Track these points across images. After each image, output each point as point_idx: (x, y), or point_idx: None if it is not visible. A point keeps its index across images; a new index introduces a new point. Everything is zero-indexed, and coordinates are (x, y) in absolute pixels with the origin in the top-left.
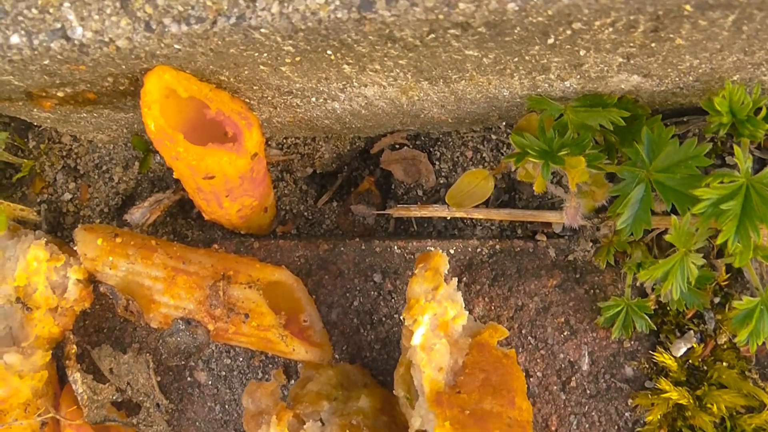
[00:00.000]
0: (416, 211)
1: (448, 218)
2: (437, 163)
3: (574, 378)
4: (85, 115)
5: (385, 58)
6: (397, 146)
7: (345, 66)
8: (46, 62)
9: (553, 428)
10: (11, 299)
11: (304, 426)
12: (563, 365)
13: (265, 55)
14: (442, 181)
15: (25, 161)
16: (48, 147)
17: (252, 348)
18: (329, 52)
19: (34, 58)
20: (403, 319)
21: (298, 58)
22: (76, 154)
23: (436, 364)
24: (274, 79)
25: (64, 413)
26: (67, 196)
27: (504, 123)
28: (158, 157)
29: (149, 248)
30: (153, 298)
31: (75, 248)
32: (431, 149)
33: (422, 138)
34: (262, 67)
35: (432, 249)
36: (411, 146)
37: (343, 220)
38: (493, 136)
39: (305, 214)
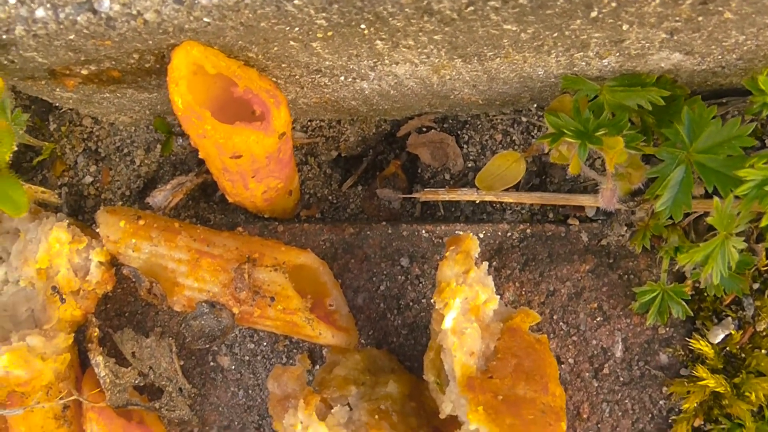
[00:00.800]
0: (444, 195)
1: (477, 202)
2: (465, 146)
3: (606, 365)
4: (108, 95)
5: (420, 33)
6: (424, 129)
7: (378, 42)
8: (71, 37)
9: (584, 416)
10: (33, 281)
11: (332, 410)
12: (596, 352)
13: (297, 29)
14: (470, 165)
15: (45, 144)
16: (69, 130)
17: (277, 332)
18: (363, 26)
19: (59, 33)
20: (434, 302)
21: (330, 33)
22: (97, 137)
23: (467, 349)
24: (303, 56)
25: (87, 396)
26: (88, 179)
27: (535, 105)
28: (180, 140)
29: (172, 231)
30: (176, 281)
31: (97, 231)
32: (459, 132)
33: (450, 121)
34: (292, 42)
35: (461, 232)
36: (438, 129)
37: (369, 205)
38: (524, 119)
39: (329, 198)
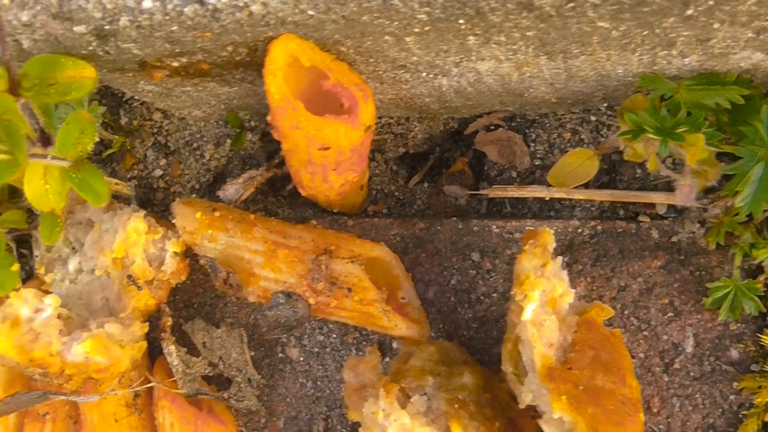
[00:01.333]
0: (514, 192)
1: (546, 199)
2: (532, 144)
3: (677, 360)
4: (189, 88)
5: (514, 29)
6: (492, 127)
7: (471, 37)
8: (174, 28)
9: (654, 410)
10: (109, 271)
11: (411, 400)
12: (666, 347)
13: (396, 23)
14: (537, 163)
15: (116, 137)
16: (139, 124)
17: (351, 323)
18: (461, 21)
19: (163, 24)
20: (513, 294)
21: (427, 28)
22: (167, 131)
23: (546, 340)
24: (393, 51)
25: (161, 384)
26: (158, 172)
27: (605, 104)
28: (250, 135)
29: (248, 222)
30: (252, 272)
31: (173, 221)
32: (527, 131)
33: (518, 119)
34: (387, 37)
35: (531, 228)
36: (506, 128)
37: (435, 201)
38: (593, 118)
39: (396, 194)
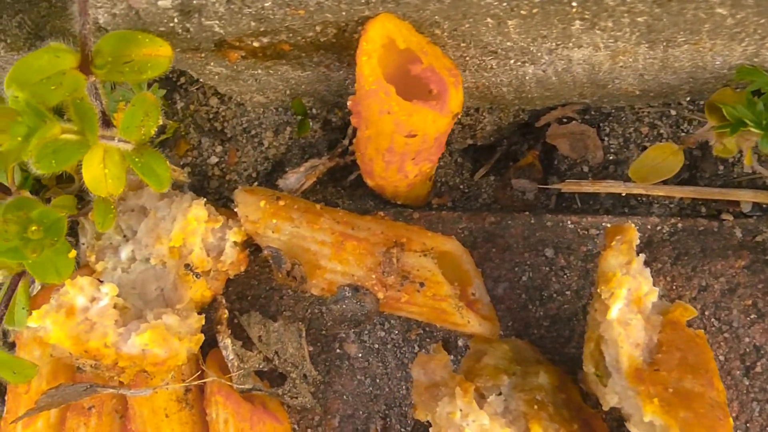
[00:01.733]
0: (588, 186)
1: (623, 195)
2: (606, 138)
3: (759, 363)
4: (259, 71)
5: (625, 14)
6: (565, 120)
7: (576, 22)
8: (266, 4)
9: (733, 414)
10: (165, 260)
11: (488, 400)
12: (748, 349)
13: (504, 4)
14: (610, 158)
15: (170, 123)
16: (195, 109)
17: (420, 319)
18: (575, 3)
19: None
20: (599, 292)
21: (535, 10)
22: (223, 117)
23: (633, 340)
24: (490, 35)
25: (217, 378)
26: (214, 159)
27: (688, 98)
28: (312, 124)
29: (314, 212)
30: (318, 264)
31: (234, 210)
32: (600, 124)
33: (591, 112)
34: (488, 20)
35: (609, 224)
36: (579, 120)
37: (502, 195)
38: (673, 112)
39: (461, 186)
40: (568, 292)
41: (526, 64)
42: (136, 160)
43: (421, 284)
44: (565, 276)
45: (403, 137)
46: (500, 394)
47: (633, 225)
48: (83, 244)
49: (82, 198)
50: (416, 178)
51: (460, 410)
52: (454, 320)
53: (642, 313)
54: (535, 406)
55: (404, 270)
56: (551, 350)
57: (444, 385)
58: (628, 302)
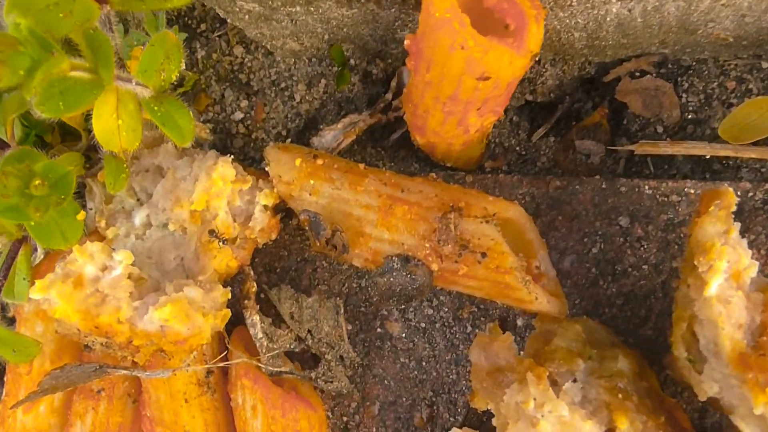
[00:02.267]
0: (667, 148)
1: (705, 158)
2: (684, 95)
3: None
4: (297, 9)
5: None
6: (637, 74)
7: None
8: None
9: None
10: (185, 225)
11: (563, 387)
12: None
13: None
14: (689, 117)
15: (189, 74)
16: (217, 59)
17: (478, 294)
18: None
19: None
20: (696, 264)
21: None
22: (249, 69)
23: (734, 320)
24: None
25: (244, 360)
26: (238, 115)
27: None
28: (351, 77)
29: (358, 173)
30: (362, 231)
31: (265, 169)
32: (678, 79)
33: (669, 65)
34: None
35: (691, 191)
36: (654, 74)
37: (563, 158)
38: (765, 65)
39: (517, 148)
40: (645, 266)
41: (612, 2)
42: (155, 108)
43: (483, 255)
44: (642, 248)
45: (473, 80)
46: (575, 380)
47: (730, 188)
48: (91, 209)
49: (90, 158)
50: (476, 135)
51: (534, 399)
52: (520, 296)
53: (741, 290)
54: (619, 395)
55: (463, 238)
56: (624, 332)
57: (510, 370)
58: (727, 276)
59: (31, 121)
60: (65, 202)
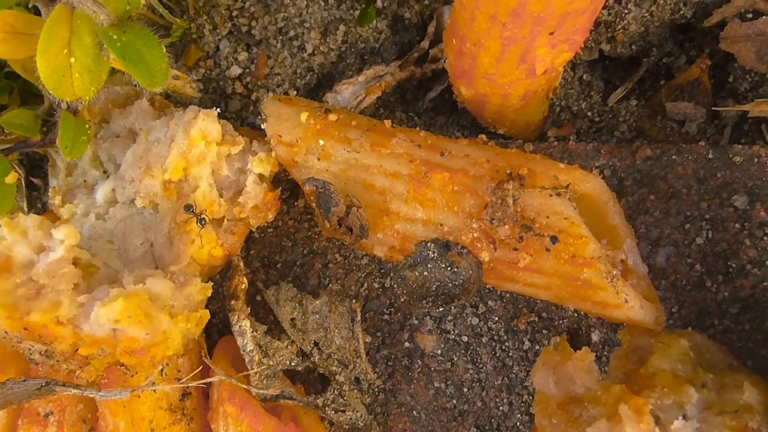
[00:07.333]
0: None
1: None
2: None
3: None
4: None
5: None
6: (749, 15)
7: None
8: None
9: None
10: (156, 200)
11: (672, 427)
12: None
13: None
14: None
15: (177, 21)
16: (210, 4)
17: (544, 296)
18: None
19: None
20: None
21: None
22: (251, 14)
23: None
24: None
25: (229, 379)
26: (236, 70)
27: None
28: (376, 21)
29: (382, 131)
30: (387, 208)
31: (262, 127)
32: None
33: None
34: None
35: None
36: None
37: (650, 125)
38: None
39: (588, 114)
40: None
41: None
42: (115, 38)
43: (553, 239)
44: (765, 237)
45: None
46: (685, 417)
47: None
48: (53, 186)
49: (51, 123)
50: (541, 82)
51: None
52: (603, 298)
53: None
54: None
55: (525, 217)
56: (741, 350)
57: (592, 401)
58: None
59: None
60: None
